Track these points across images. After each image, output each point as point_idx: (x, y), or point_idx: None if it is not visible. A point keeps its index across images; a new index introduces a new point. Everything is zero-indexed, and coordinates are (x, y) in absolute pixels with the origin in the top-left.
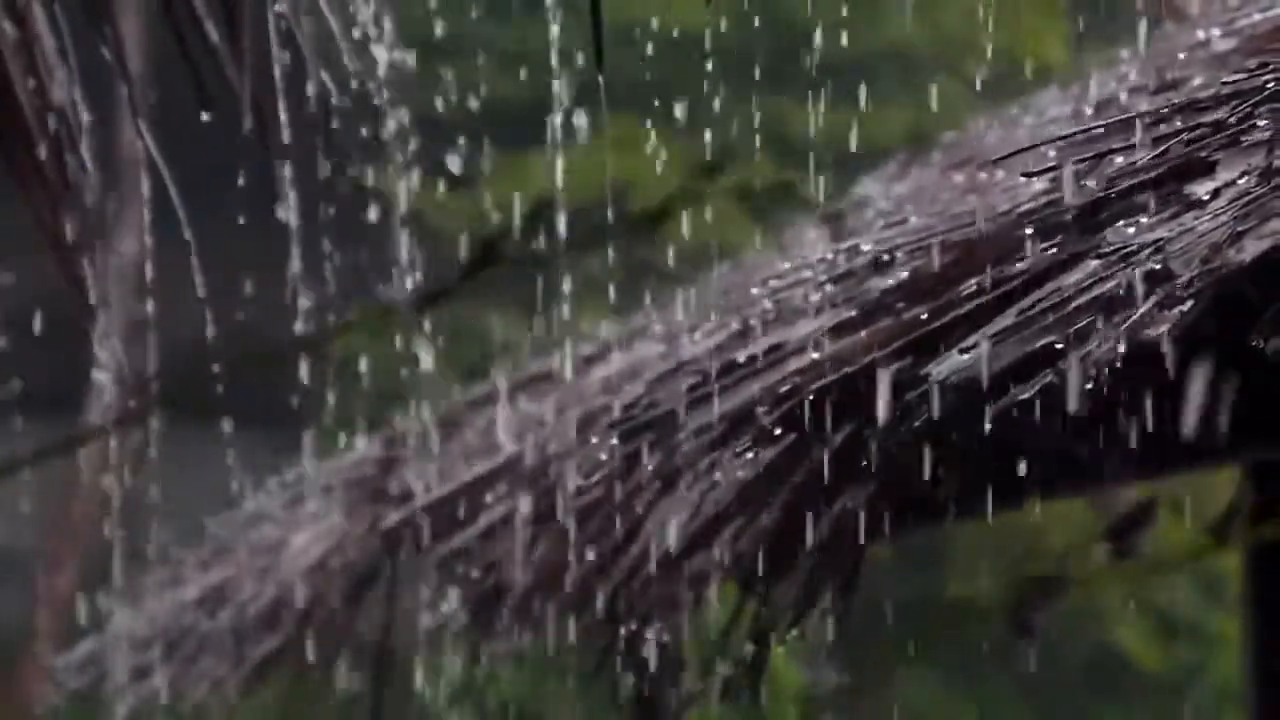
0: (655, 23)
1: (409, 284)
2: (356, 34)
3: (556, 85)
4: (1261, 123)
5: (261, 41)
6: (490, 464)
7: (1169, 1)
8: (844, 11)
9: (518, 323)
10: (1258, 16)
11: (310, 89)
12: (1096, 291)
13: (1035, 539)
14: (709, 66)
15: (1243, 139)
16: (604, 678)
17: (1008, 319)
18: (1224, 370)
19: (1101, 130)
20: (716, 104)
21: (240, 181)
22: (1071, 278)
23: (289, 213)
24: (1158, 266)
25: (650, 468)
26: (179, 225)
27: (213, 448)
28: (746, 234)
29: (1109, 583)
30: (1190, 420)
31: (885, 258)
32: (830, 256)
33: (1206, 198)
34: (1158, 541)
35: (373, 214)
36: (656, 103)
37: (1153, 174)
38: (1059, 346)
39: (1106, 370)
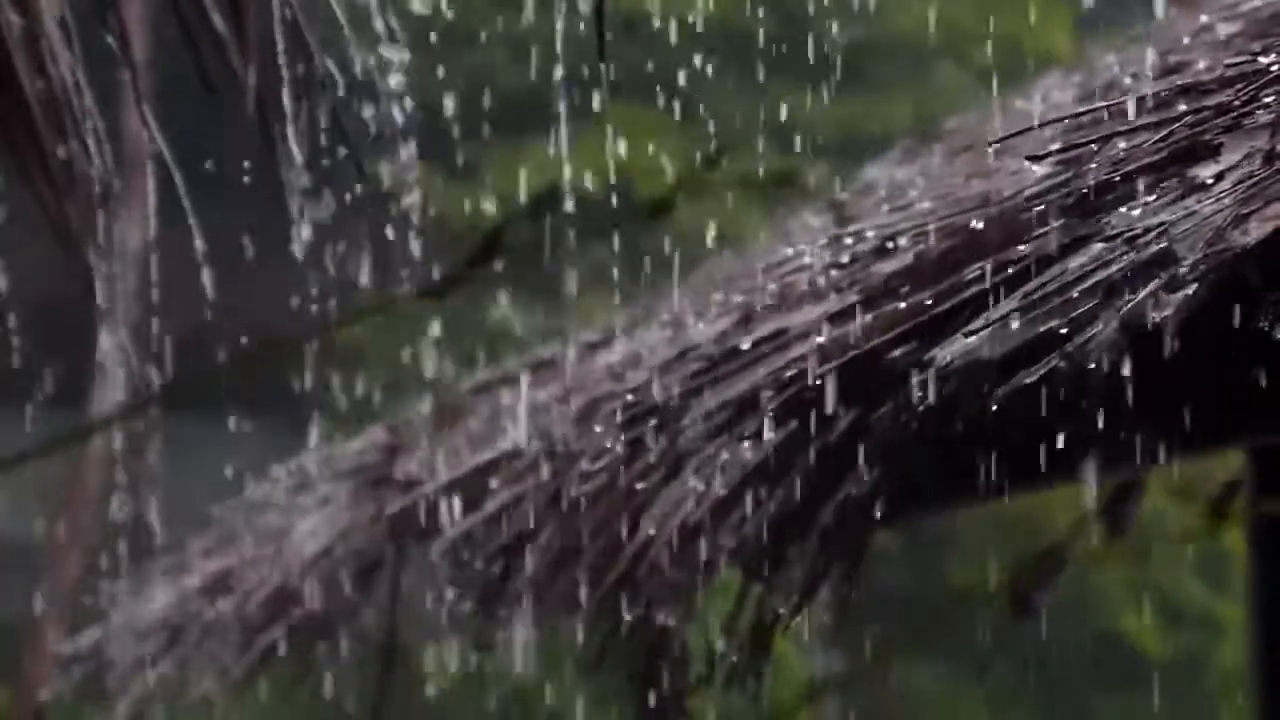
0: (659, 12)
1: (414, 273)
2: (361, 22)
3: (559, 75)
4: (1265, 105)
5: (266, 29)
6: (495, 451)
7: None
8: None
9: (523, 310)
10: (1262, 0)
11: (315, 77)
12: (1100, 275)
13: (1040, 525)
14: (713, 56)
15: (1247, 122)
16: (609, 665)
17: (1012, 303)
18: (1228, 354)
19: (1105, 114)
20: (721, 93)
21: (245, 171)
22: (1075, 261)
23: (294, 202)
24: (1162, 250)
25: (655, 454)
26: (184, 215)
27: (217, 436)
28: (750, 221)
29: (1108, 561)
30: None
31: (889, 242)
32: (834, 242)
33: (1210, 181)
34: (1159, 521)
35: (377, 204)
36: (660, 92)
37: (1156, 157)
38: (1063, 331)
39: (1110, 354)
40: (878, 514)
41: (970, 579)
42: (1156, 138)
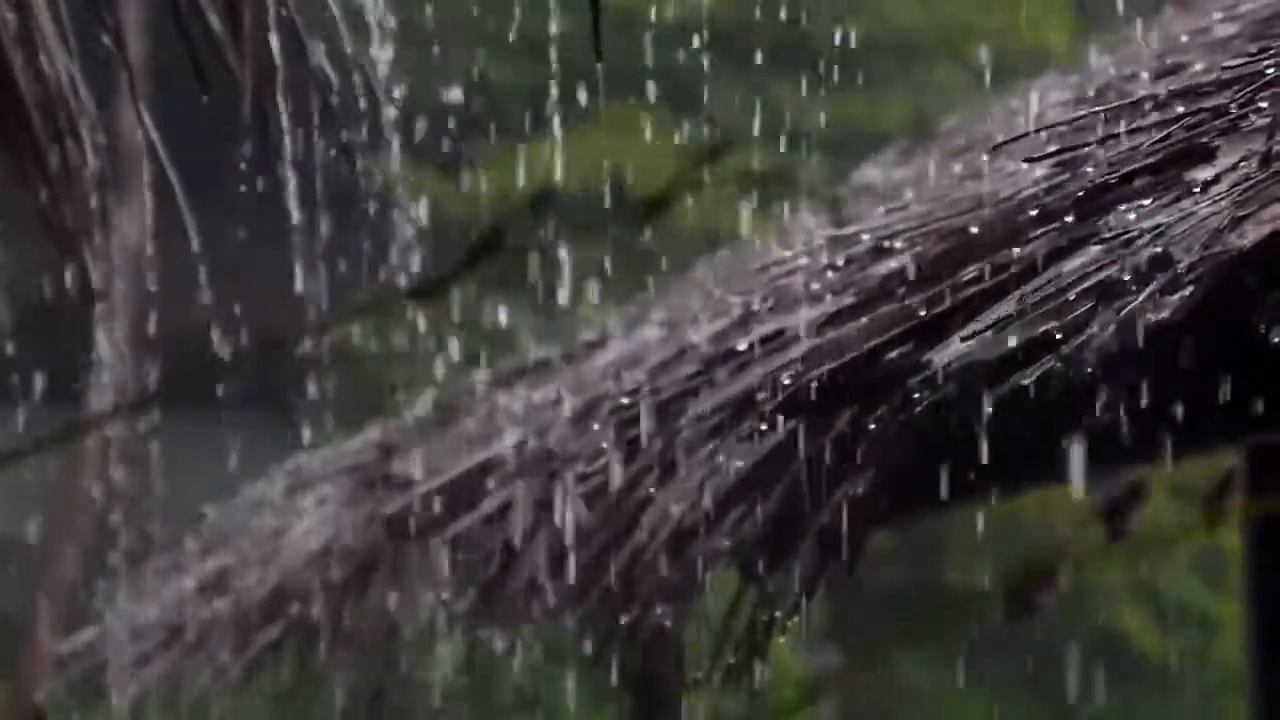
0: (655, 10)
1: (409, 272)
2: (357, 22)
3: (556, 73)
4: (1262, 108)
5: (262, 29)
6: (491, 451)
7: None
8: None
9: (519, 310)
10: (1259, 2)
11: (310, 77)
12: (1098, 277)
13: (1039, 525)
14: (709, 54)
15: (1243, 124)
16: (606, 663)
17: (1009, 305)
18: (1224, 355)
19: (1103, 116)
20: (717, 91)
21: (241, 169)
22: (1073, 263)
23: (289, 200)
24: (1158, 251)
25: (652, 455)
26: (180, 213)
27: (214, 435)
28: (747, 221)
29: (1107, 561)
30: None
31: (886, 244)
32: (831, 243)
33: (1207, 183)
34: (1154, 520)
35: (373, 202)
36: (656, 90)
37: (1154, 159)
38: (1060, 333)
39: (1107, 355)
40: (876, 514)
41: (968, 579)
42: (1153, 140)
